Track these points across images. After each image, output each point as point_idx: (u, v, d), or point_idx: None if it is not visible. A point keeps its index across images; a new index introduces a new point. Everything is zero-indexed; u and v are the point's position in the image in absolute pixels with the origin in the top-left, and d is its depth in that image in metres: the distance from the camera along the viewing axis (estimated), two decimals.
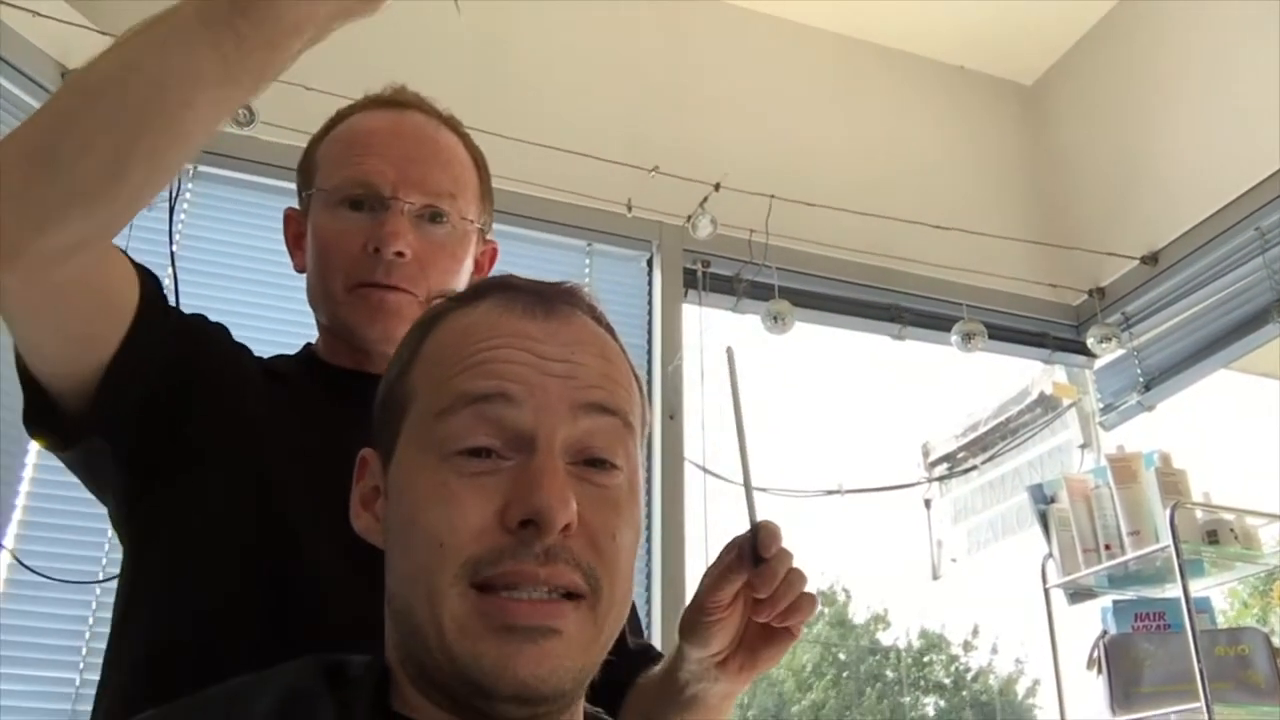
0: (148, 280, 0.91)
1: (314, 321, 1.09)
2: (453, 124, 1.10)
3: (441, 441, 0.63)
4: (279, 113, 2.14)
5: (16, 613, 1.88)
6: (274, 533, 0.87)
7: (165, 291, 0.94)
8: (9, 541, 1.89)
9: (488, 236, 1.13)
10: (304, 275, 1.07)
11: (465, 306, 0.70)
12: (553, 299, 0.69)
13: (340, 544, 0.75)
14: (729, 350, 0.81)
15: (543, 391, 0.64)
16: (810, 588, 0.80)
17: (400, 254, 0.98)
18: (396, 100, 1.09)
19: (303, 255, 1.08)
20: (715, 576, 0.78)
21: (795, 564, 0.78)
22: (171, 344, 0.91)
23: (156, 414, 0.89)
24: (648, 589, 2.28)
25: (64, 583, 1.88)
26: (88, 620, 1.91)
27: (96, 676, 1.82)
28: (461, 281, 1.06)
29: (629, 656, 0.98)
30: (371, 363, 1.01)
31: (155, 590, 0.89)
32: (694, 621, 0.81)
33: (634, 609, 1.10)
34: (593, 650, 0.63)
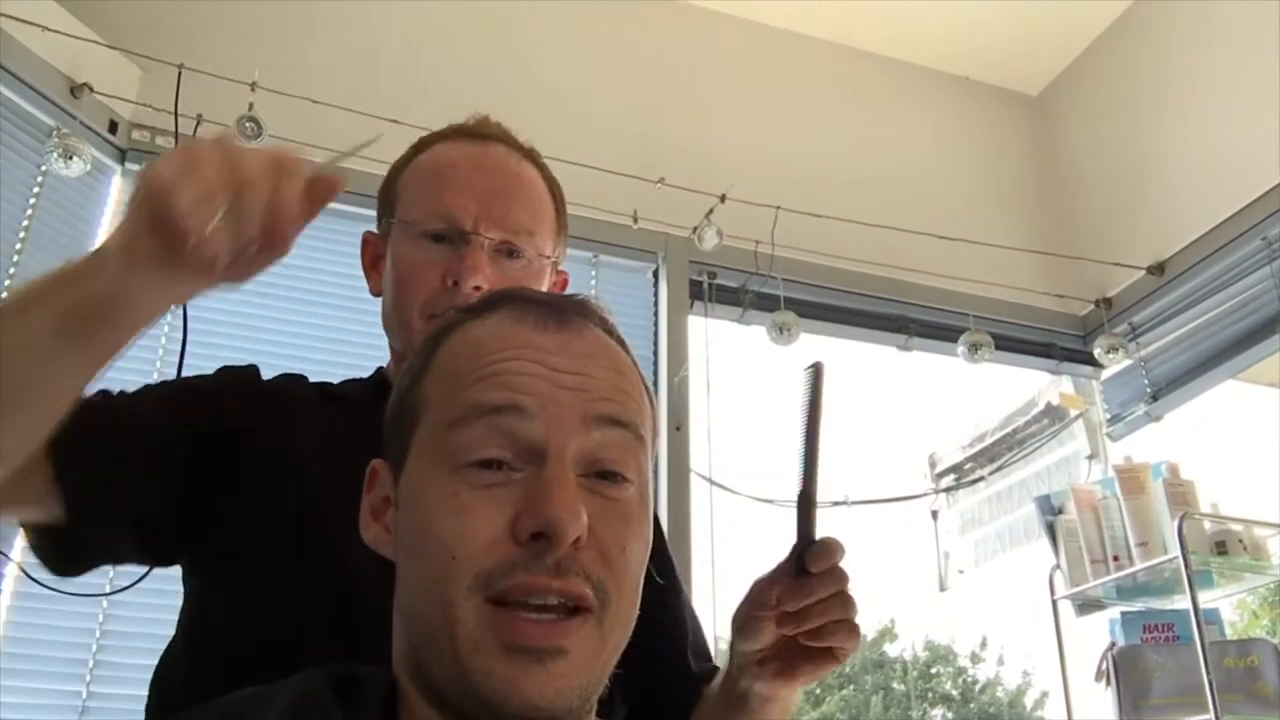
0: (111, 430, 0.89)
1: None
2: (533, 156, 1.12)
3: (453, 453, 0.63)
4: (286, 127, 2.15)
5: (24, 625, 1.88)
6: (332, 565, 0.87)
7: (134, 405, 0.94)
8: (15, 554, 1.90)
9: (560, 267, 1.14)
10: (378, 299, 1.09)
11: (477, 318, 0.70)
12: (565, 311, 0.70)
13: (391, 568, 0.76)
14: (819, 365, 0.81)
15: (554, 404, 0.64)
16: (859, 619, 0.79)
17: (478, 288, 0.99)
18: (480, 132, 1.10)
19: (379, 279, 1.10)
20: (768, 576, 0.79)
21: (846, 589, 0.78)
22: (183, 440, 0.92)
23: (202, 503, 0.91)
24: None
25: (71, 595, 1.88)
26: (94, 633, 1.91)
27: (104, 689, 1.80)
28: None
29: (694, 679, 0.99)
30: None
31: (217, 639, 0.91)
32: (741, 615, 0.82)
33: (699, 631, 1.12)
34: (597, 664, 0.63)
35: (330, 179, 0.70)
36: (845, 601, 0.78)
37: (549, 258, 1.08)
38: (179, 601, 1.95)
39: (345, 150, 0.74)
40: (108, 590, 1.92)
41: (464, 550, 0.61)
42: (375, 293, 1.10)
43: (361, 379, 1.11)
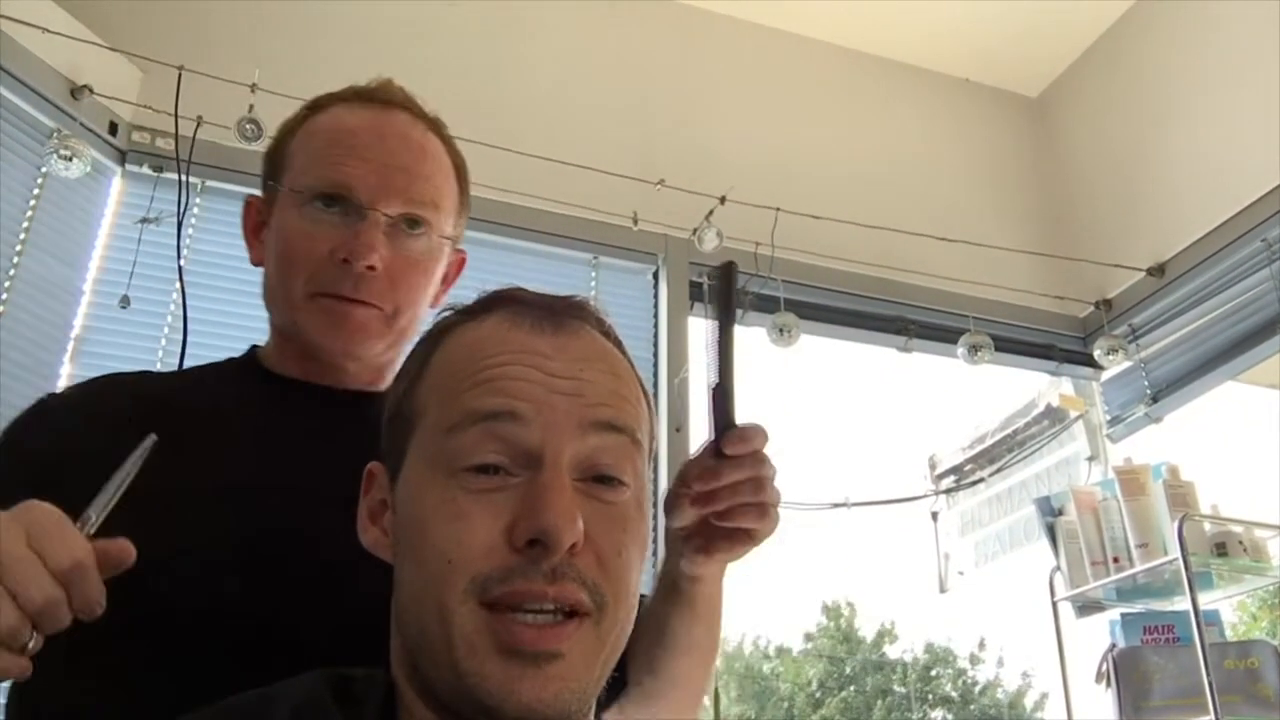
0: None
1: None
2: (437, 127, 1.05)
3: (450, 458, 0.63)
4: None
5: None
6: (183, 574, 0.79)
7: None
8: None
9: (458, 246, 1.07)
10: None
11: (473, 320, 0.70)
12: (561, 314, 0.69)
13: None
14: (730, 264, 0.85)
15: (550, 409, 0.64)
16: (781, 512, 0.80)
17: (372, 268, 0.94)
18: (382, 97, 1.02)
19: (261, 249, 1.02)
20: (692, 458, 0.80)
21: (762, 473, 0.78)
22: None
23: None
24: None
25: None
26: None
27: None
28: (429, 295, 1.02)
29: None
30: (322, 374, 0.98)
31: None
32: (668, 494, 0.82)
33: None
34: (595, 668, 0.63)
35: (120, 550, 0.64)
36: (759, 485, 0.78)
37: (449, 238, 1.02)
38: None
39: (122, 473, 0.68)
40: None
41: (460, 555, 0.61)
42: (256, 262, 1.03)
43: (233, 359, 1.04)
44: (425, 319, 1.00)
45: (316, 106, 1.03)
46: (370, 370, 1.00)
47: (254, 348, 1.04)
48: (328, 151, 0.97)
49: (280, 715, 0.62)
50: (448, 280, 1.07)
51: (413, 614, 0.64)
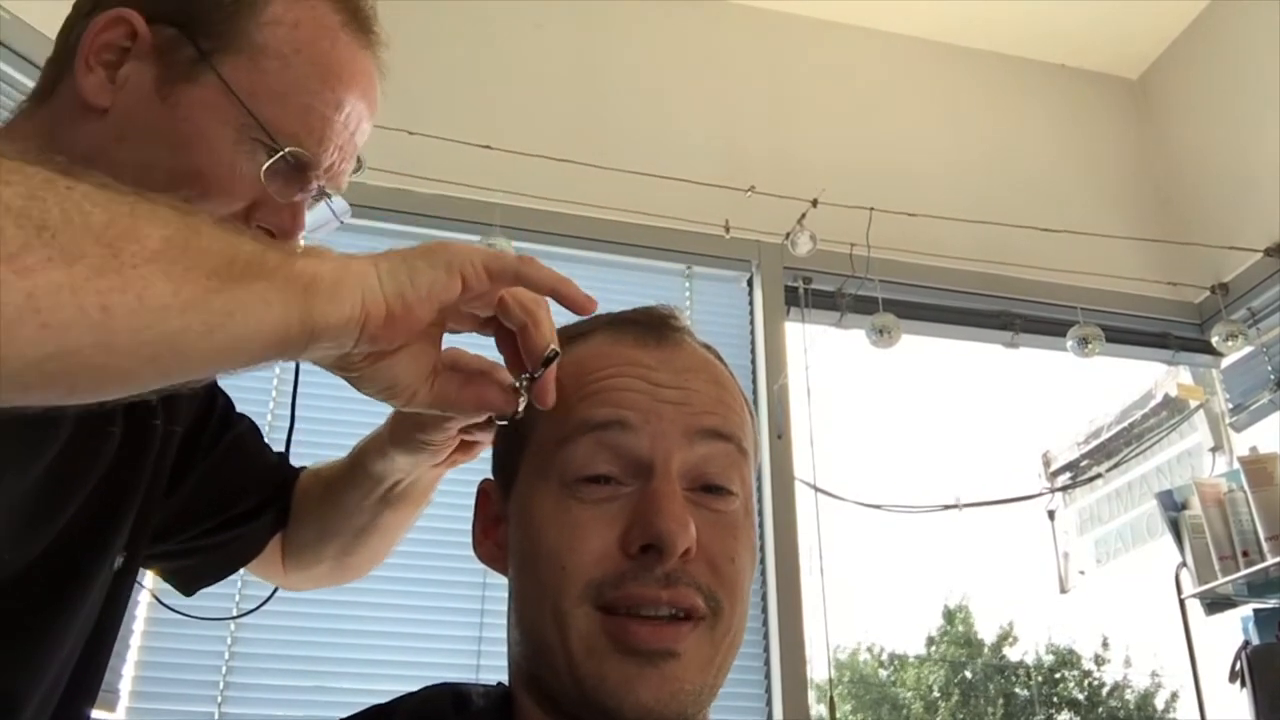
0: None
1: None
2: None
3: (562, 470, 0.65)
4: (385, 159, 2.22)
5: (158, 649, 1.96)
6: None
7: None
8: (149, 582, 1.98)
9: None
10: None
11: (578, 340, 0.72)
12: (662, 327, 0.71)
13: None
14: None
15: (658, 418, 0.65)
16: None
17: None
18: (370, 27, 0.86)
19: (112, 95, 0.77)
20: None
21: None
22: None
23: None
24: (764, 608, 2.26)
25: (201, 620, 1.96)
26: (224, 655, 1.98)
27: (234, 710, 1.87)
28: None
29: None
30: None
31: None
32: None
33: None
34: (709, 671, 0.64)
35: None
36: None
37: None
38: (303, 623, 2.02)
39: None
40: (234, 614, 2.00)
41: (574, 561, 0.62)
42: (97, 104, 0.76)
43: None
44: None
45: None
46: None
47: None
48: (310, 78, 0.80)
49: None
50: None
51: (530, 622, 0.65)
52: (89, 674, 0.82)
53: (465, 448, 0.88)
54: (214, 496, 0.96)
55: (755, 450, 0.73)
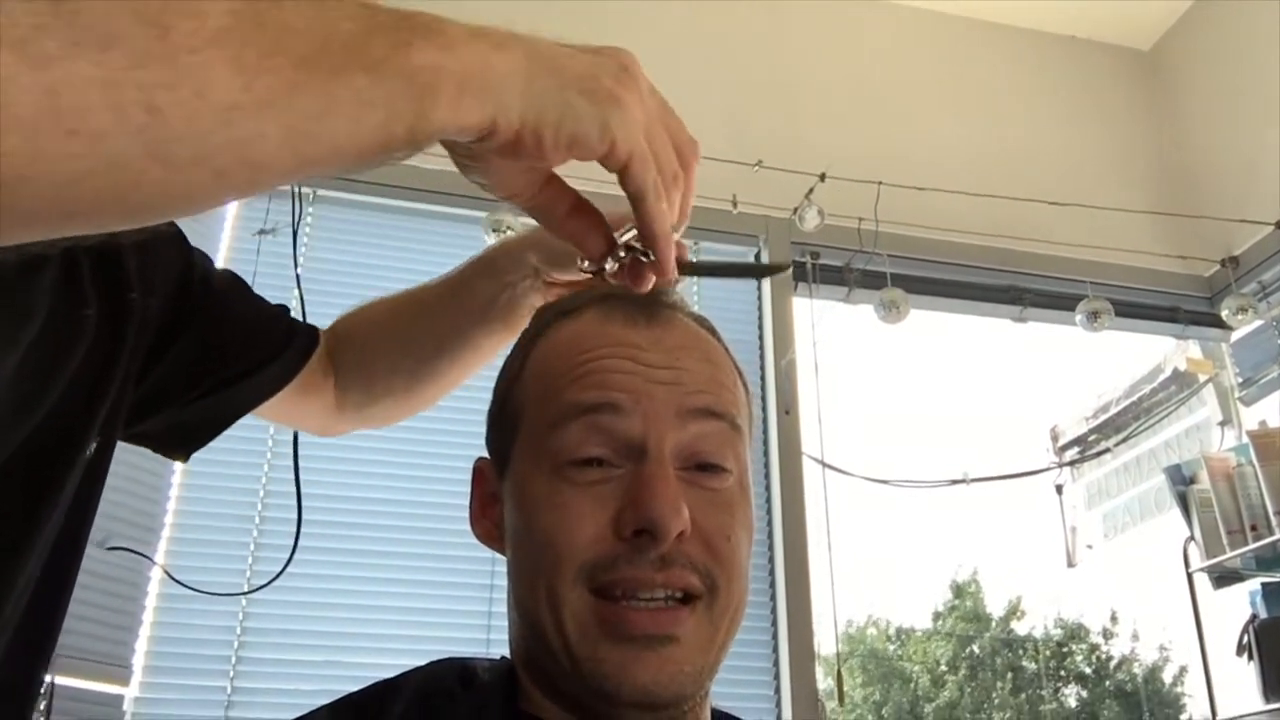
0: None
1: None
2: None
3: (554, 453, 0.65)
4: None
5: (170, 625, 1.98)
6: None
7: None
8: (160, 557, 2.00)
9: None
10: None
11: (567, 318, 0.71)
12: (653, 305, 0.70)
13: None
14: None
15: (649, 399, 0.65)
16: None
17: None
18: None
19: None
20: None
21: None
22: None
23: None
24: (771, 585, 2.27)
25: (213, 595, 1.98)
26: (235, 630, 2.00)
27: (246, 684, 1.89)
28: None
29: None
30: None
31: None
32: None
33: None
34: (710, 651, 0.64)
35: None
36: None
37: None
38: (314, 599, 2.02)
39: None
40: (246, 590, 2.01)
41: (567, 544, 0.62)
42: None
43: None
44: None
45: None
46: None
47: None
48: None
49: (409, 699, 0.64)
50: None
51: (526, 604, 0.65)
52: (46, 612, 0.73)
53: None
54: (206, 359, 0.88)
55: (751, 425, 0.73)
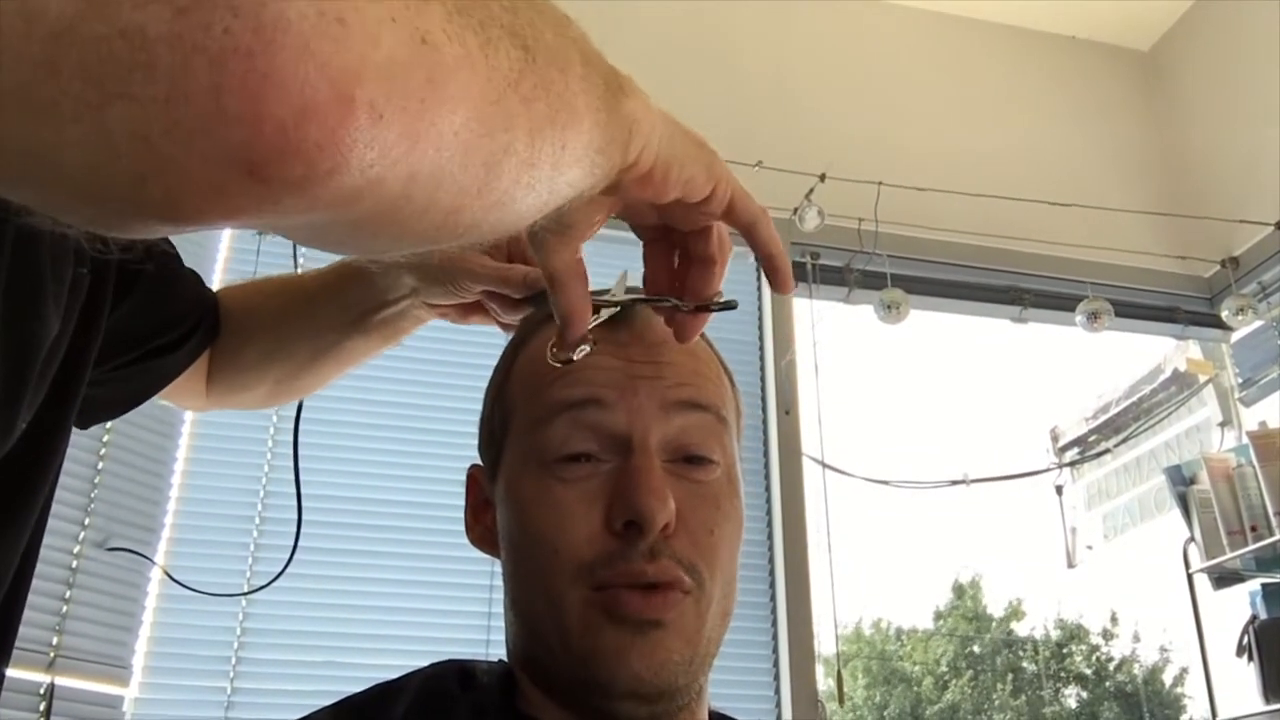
0: None
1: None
2: None
3: (542, 451, 0.65)
4: None
5: (169, 625, 1.98)
6: None
7: None
8: (160, 558, 2.00)
9: None
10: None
11: (552, 320, 0.72)
12: (634, 302, 0.71)
13: None
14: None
15: (633, 393, 0.66)
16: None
17: None
18: None
19: None
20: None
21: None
22: None
23: None
24: (771, 585, 2.27)
25: (213, 595, 1.98)
26: (235, 631, 2.00)
27: (246, 684, 1.88)
28: None
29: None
30: None
31: None
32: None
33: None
34: (697, 642, 0.64)
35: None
36: None
37: None
38: (314, 599, 2.01)
39: None
40: (246, 590, 2.01)
41: (565, 544, 0.63)
42: None
43: None
44: None
45: None
46: None
47: None
48: None
49: (409, 700, 0.65)
50: None
51: (525, 605, 0.66)
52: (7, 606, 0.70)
53: (474, 309, 0.85)
54: (133, 331, 0.84)
55: (739, 418, 0.74)
